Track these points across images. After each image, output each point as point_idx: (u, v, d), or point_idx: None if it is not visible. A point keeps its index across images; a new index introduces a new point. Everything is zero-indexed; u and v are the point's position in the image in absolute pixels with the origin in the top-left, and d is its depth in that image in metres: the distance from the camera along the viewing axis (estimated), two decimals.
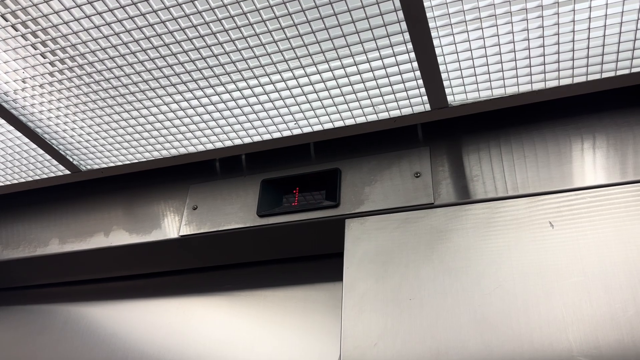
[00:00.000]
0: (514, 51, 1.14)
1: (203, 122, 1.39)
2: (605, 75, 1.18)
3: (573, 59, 1.15)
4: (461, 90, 1.23)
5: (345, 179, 1.39)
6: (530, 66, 1.17)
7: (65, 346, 1.71)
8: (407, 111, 1.30)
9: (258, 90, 1.28)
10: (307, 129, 1.39)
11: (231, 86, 1.28)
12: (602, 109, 1.24)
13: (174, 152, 1.51)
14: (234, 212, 1.46)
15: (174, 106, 1.34)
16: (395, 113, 1.31)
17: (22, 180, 1.69)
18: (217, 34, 1.15)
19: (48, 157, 1.56)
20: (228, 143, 1.46)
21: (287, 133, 1.41)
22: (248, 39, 1.15)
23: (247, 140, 1.45)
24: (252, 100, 1.31)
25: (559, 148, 1.23)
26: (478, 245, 1.16)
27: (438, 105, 1.26)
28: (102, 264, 1.69)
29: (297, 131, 1.40)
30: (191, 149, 1.50)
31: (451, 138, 1.34)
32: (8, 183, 1.71)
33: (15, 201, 1.83)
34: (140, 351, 1.58)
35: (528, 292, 1.07)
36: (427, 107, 1.28)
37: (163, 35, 1.16)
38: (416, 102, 1.27)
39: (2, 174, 1.66)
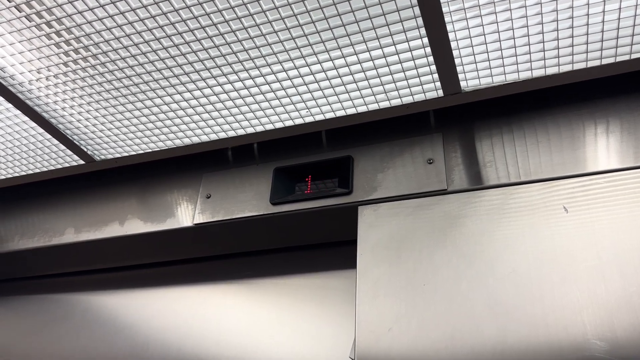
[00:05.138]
0: (528, 35, 1.14)
1: (216, 110, 1.39)
2: (619, 59, 1.17)
3: (587, 43, 1.14)
4: (474, 76, 1.23)
5: (357, 166, 1.40)
6: (544, 50, 1.16)
7: (86, 334, 1.74)
8: (419, 97, 1.30)
9: (270, 78, 1.28)
10: (320, 117, 1.39)
11: (244, 74, 1.28)
12: (616, 93, 1.24)
13: (187, 141, 1.52)
14: (247, 200, 1.47)
15: (187, 95, 1.35)
16: (407, 99, 1.31)
17: (37, 170, 1.70)
18: (230, 22, 1.15)
19: (62, 147, 1.57)
20: (240, 131, 1.47)
21: (299, 121, 1.41)
22: (260, 26, 1.16)
23: (260, 128, 1.45)
24: (265, 88, 1.31)
25: (572, 133, 1.23)
26: (492, 230, 1.16)
27: (451, 91, 1.26)
28: (118, 253, 1.70)
29: (309, 119, 1.40)
30: (204, 138, 1.51)
31: (464, 124, 1.34)
32: (23, 173, 1.73)
33: (30, 191, 1.85)
34: (161, 339, 1.60)
35: (542, 277, 1.07)
36: (440, 93, 1.27)
37: (176, 24, 1.16)
38: (429, 88, 1.27)
39: (18, 164, 1.68)
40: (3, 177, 1.75)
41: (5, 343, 1.86)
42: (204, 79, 1.30)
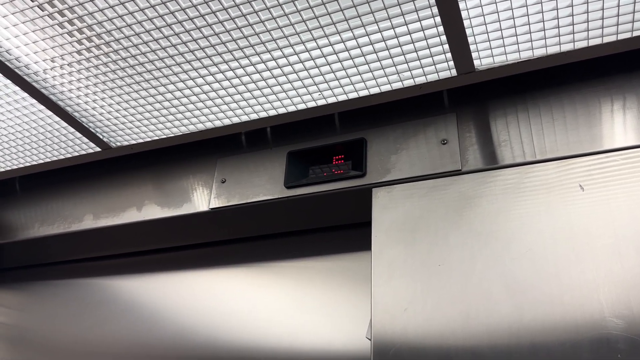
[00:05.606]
0: (542, 12, 1.12)
1: (228, 95, 1.40)
2: (635, 33, 1.15)
3: (603, 18, 1.12)
4: (488, 54, 1.22)
5: (371, 148, 1.39)
6: (558, 27, 1.14)
7: (105, 317, 1.77)
8: (432, 77, 1.29)
9: (282, 61, 1.28)
10: (332, 99, 1.39)
11: (255, 59, 1.28)
12: (632, 69, 1.21)
13: (201, 126, 1.53)
14: (262, 184, 1.48)
15: (200, 80, 1.36)
16: (420, 80, 1.30)
17: (55, 158, 1.73)
18: (241, 6, 1.15)
19: (79, 135, 1.59)
20: (253, 116, 1.47)
21: (311, 104, 1.41)
22: (271, 9, 1.15)
23: (272, 112, 1.46)
24: (277, 72, 1.31)
25: (588, 110, 1.21)
26: (507, 210, 1.16)
27: (464, 70, 1.25)
28: (136, 238, 1.73)
29: (321, 102, 1.40)
30: (217, 123, 1.51)
31: (478, 103, 1.33)
32: (41, 162, 1.75)
33: (48, 179, 1.88)
34: (178, 321, 1.64)
35: (558, 255, 1.06)
36: (454, 72, 1.26)
37: (187, 10, 1.16)
38: (442, 67, 1.26)
39: (35, 153, 1.70)
40: (21, 166, 1.78)
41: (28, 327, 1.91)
42: (215, 64, 1.30)
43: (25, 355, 1.85)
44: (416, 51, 1.22)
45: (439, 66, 1.26)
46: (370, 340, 1.13)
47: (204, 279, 1.69)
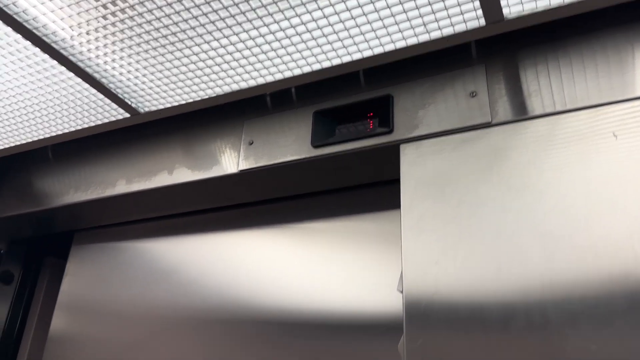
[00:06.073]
0: None
1: (253, 55, 1.39)
2: None
3: None
4: (517, 2, 1.18)
5: (397, 104, 1.38)
6: None
7: (141, 280, 1.83)
8: (460, 28, 1.26)
9: (306, 17, 1.27)
10: (357, 55, 1.37)
11: (279, 16, 1.27)
12: None
13: (227, 88, 1.53)
14: (289, 144, 1.49)
15: (224, 41, 1.35)
16: (448, 31, 1.27)
17: (85, 125, 1.75)
18: None
19: (108, 101, 1.61)
20: (278, 76, 1.47)
21: (336, 61, 1.40)
22: None
23: (297, 71, 1.45)
24: (301, 29, 1.30)
25: (620, 56, 1.17)
26: (539, 161, 1.14)
27: (493, 19, 1.22)
28: (168, 202, 1.76)
29: (346, 58, 1.39)
30: (243, 85, 1.51)
31: (507, 53, 1.30)
32: (72, 129, 1.78)
33: (80, 146, 1.91)
34: (219, 281, 1.68)
35: (591, 205, 1.05)
36: (482, 22, 1.23)
37: None
38: (470, 17, 1.23)
39: (66, 121, 1.73)
40: (53, 134, 1.81)
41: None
42: (240, 23, 1.29)
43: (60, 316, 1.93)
44: (443, 1, 1.19)
45: (466, 15, 1.23)
46: (401, 292, 1.15)
47: (234, 240, 1.73)
